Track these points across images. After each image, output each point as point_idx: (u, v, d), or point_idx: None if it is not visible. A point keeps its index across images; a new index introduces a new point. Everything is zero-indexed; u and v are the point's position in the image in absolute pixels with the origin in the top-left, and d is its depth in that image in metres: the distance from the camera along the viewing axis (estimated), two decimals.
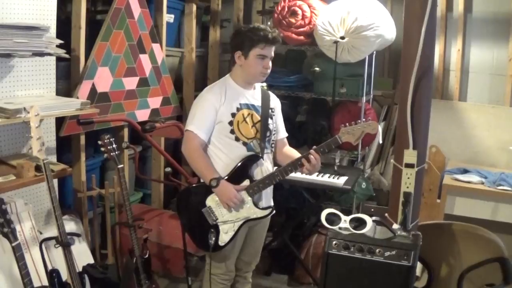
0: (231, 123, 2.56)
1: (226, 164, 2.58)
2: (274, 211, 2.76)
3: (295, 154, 2.73)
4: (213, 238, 2.55)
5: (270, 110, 2.69)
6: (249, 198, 2.57)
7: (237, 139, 2.57)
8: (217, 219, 2.57)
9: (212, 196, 2.57)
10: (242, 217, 2.57)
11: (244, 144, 2.59)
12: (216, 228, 2.57)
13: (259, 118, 2.63)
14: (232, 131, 2.56)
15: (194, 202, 2.63)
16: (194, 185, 2.75)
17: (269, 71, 2.60)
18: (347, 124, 2.51)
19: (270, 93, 2.79)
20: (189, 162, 2.59)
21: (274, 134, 2.74)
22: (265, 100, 2.70)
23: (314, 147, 2.53)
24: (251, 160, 2.59)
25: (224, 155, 2.59)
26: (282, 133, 2.84)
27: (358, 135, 2.49)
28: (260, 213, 2.60)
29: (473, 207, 3.70)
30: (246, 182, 2.57)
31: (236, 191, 2.52)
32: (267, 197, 2.68)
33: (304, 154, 2.54)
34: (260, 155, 2.61)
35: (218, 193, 2.53)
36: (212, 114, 2.55)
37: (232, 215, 2.57)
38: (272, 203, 2.73)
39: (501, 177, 3.75)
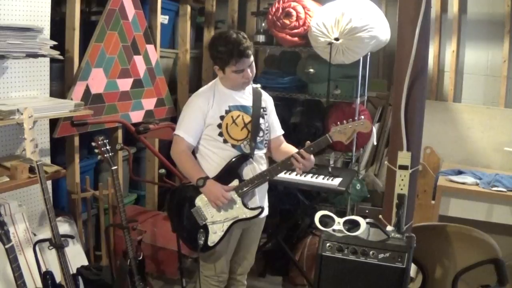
0: (220, 126, 2.57)
1: (217, 166, 2.59)
2: (267, 212, 2.76)
3: (292, 150, 2.70)
4: (203, 238, 2.56)
5: (261, 110, 2.69)
6: (239, 198, 2.56)
7: (225, 141, 2.58)
8: (206, 219, 2.58)
9: (201, 196, 2.58)
10: (231, 217, 2.57)
11: (233, 146, 2.59)
12: (205, 228, 2.58)
13: (250, 118, 2.62)
14: (220, 134, 2.57)
15: (184, 202, 2.63)
16: (184, 185, 2.74)
17: (251, 77, 2.59)
18: (338, 123, 2.51)
19: (262, 91, 2.77)
20: (178, 164, 2.65)
21: (267, 134, 2.73)
22: (256, 99, 2.69)
23: (305, 147, 2.52)
24: (240, 161, 2.59)
25: (215, 157, 2.60)
26: (278, 131, 2.83)
27: (349, 134, 2.48)
28: (249, 213, 2.58)
29: (468, 208, 3.70)
30: (235, 182, 2.57)
31: (225, 191, 2.52)
32: (259, 197, 2.66)
33: (293, 153, 2.54)
34: (250, 155, 2.61)
35: (205, 193, 2.54)
36: (199, 118, 2.57)
37: (221, 215, 2.57)
38: (263, 204, 2.71)
39: (496, 178, 3.75)
